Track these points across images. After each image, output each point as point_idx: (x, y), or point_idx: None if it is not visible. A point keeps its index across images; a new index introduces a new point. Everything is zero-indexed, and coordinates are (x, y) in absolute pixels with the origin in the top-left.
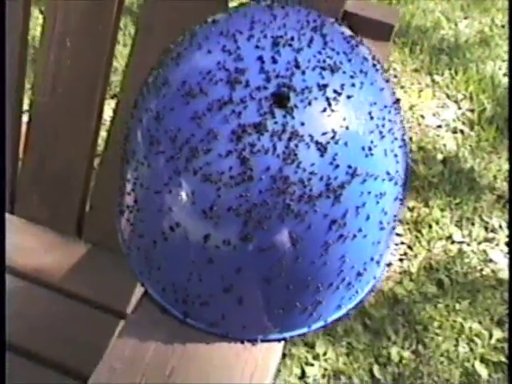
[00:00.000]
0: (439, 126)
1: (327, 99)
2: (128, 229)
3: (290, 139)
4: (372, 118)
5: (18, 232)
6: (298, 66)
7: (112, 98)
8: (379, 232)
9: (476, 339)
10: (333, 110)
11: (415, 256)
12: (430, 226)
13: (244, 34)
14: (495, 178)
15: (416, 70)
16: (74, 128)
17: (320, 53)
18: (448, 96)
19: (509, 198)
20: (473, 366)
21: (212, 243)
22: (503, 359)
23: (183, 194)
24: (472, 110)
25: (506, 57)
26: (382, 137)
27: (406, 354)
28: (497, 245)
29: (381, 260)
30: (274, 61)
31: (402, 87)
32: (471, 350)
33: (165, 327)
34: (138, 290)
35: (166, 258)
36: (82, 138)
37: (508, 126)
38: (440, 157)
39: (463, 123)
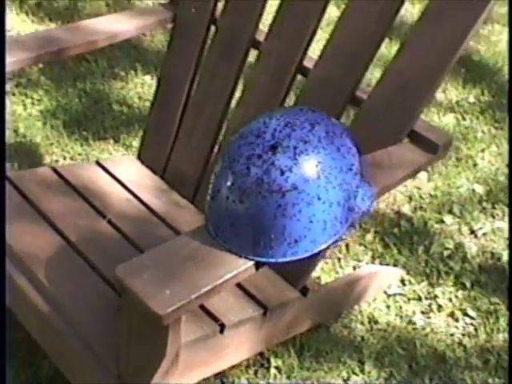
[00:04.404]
0: None
1: (294, 154)
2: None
3: (270, 165)
4: (317, 167)
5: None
6: (289, 136)
7: None
8: (309, 223)
9: None
10: (295, 158)
11: (472, 338)
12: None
13: (278, 120)
14: None
15: None
16: None
17: (305, 134)
18: None
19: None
20: None
21: (229, 200)
22: None
23: (224, 176)
24: None
25: None
26: (318, 178)
27: None
28: None
29: (316, 241)
30: (280, 131)
31: None
32: None
33: (204, 236)
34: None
35: (212, 205)
36: None
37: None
38: None
39: None
